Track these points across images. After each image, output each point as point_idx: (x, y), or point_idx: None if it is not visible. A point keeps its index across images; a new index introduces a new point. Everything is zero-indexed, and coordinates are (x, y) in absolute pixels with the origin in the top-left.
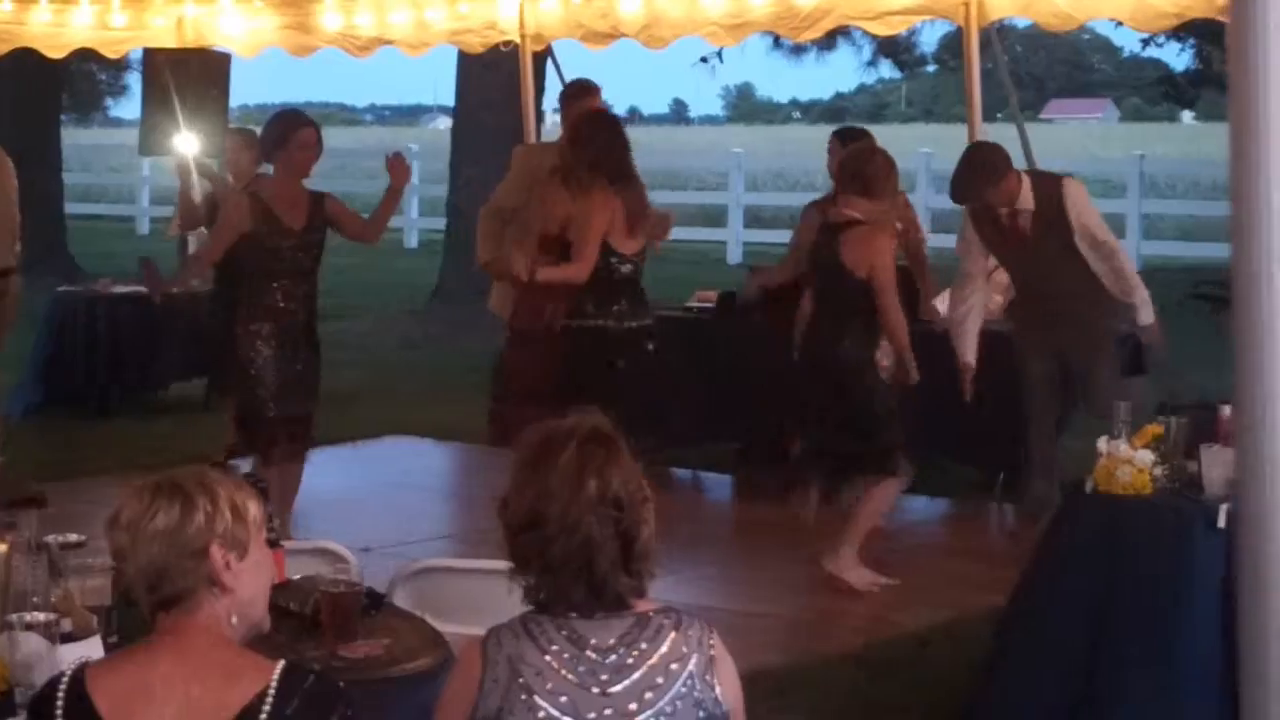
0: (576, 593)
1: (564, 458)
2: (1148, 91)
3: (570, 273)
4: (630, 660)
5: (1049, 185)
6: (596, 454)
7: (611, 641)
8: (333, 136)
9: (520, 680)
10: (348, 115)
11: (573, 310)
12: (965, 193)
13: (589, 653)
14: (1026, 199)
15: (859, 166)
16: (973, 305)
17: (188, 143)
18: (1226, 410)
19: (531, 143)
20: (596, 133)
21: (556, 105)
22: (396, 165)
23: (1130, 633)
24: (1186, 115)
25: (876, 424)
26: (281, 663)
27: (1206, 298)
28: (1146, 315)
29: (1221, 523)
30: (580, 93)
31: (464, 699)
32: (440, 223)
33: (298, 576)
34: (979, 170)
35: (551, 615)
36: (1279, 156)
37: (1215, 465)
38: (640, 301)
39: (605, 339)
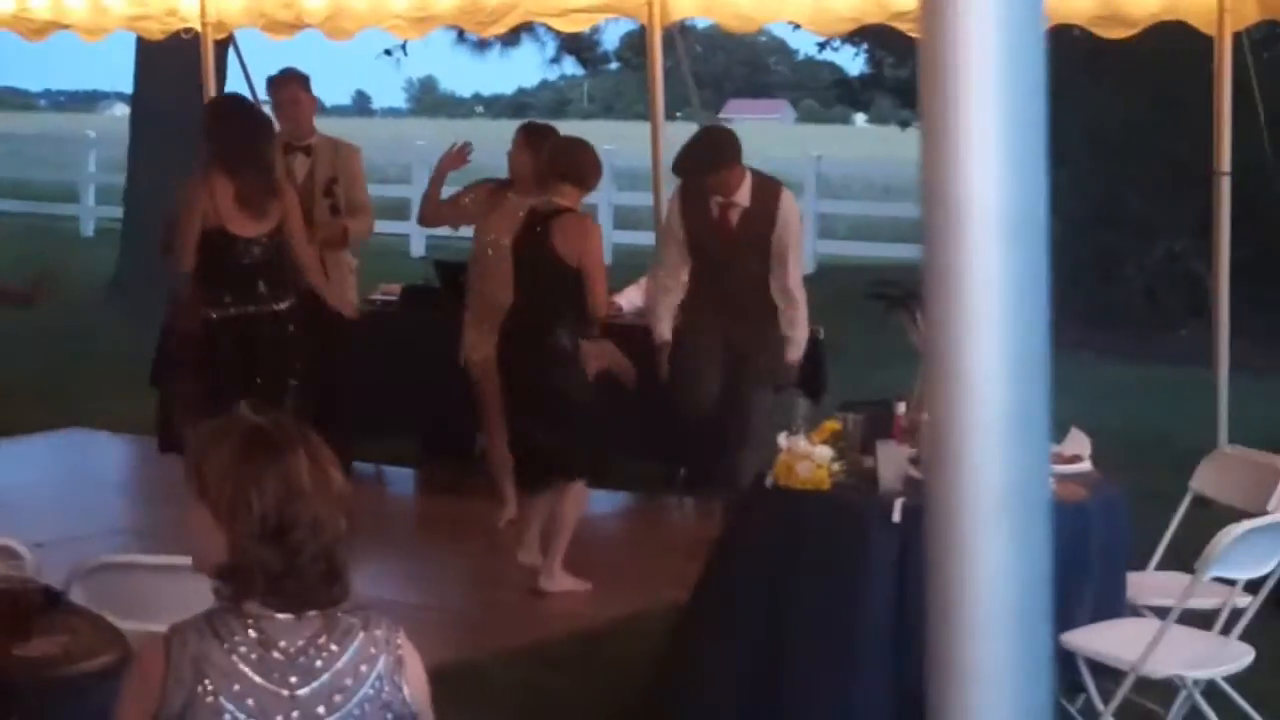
0: (322, 592)
1: (298, 455)
2: (823, 94)
3: (176, 269)
4: (319, 663)
5: (769, 189)
6: (323, 450)
7: (300, 643)
8: (5, 122)
9: (205, 682)
10: (22, 100)
11: (212, 301)
12: (687, 168)
13: (276, 654)
14: (744, 195)
15: (572, 157)
16: (671, 289)
17: None
18: (902, 407)
19: None
20: (216, 119)
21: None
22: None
23: (810, 623)
24: (860, 118)
25: (579, 420)
26: None
27: (881, 297)
28: (794, 352)
29: (896, 517)
30: (281, 82)
31: (145, 699)
32: (118, 211)
33: None
34: (707, 151)
35: (238, 614)
36: (969, 157)
37: (890, 461)
38: (281, 284)
39: (251, 324)
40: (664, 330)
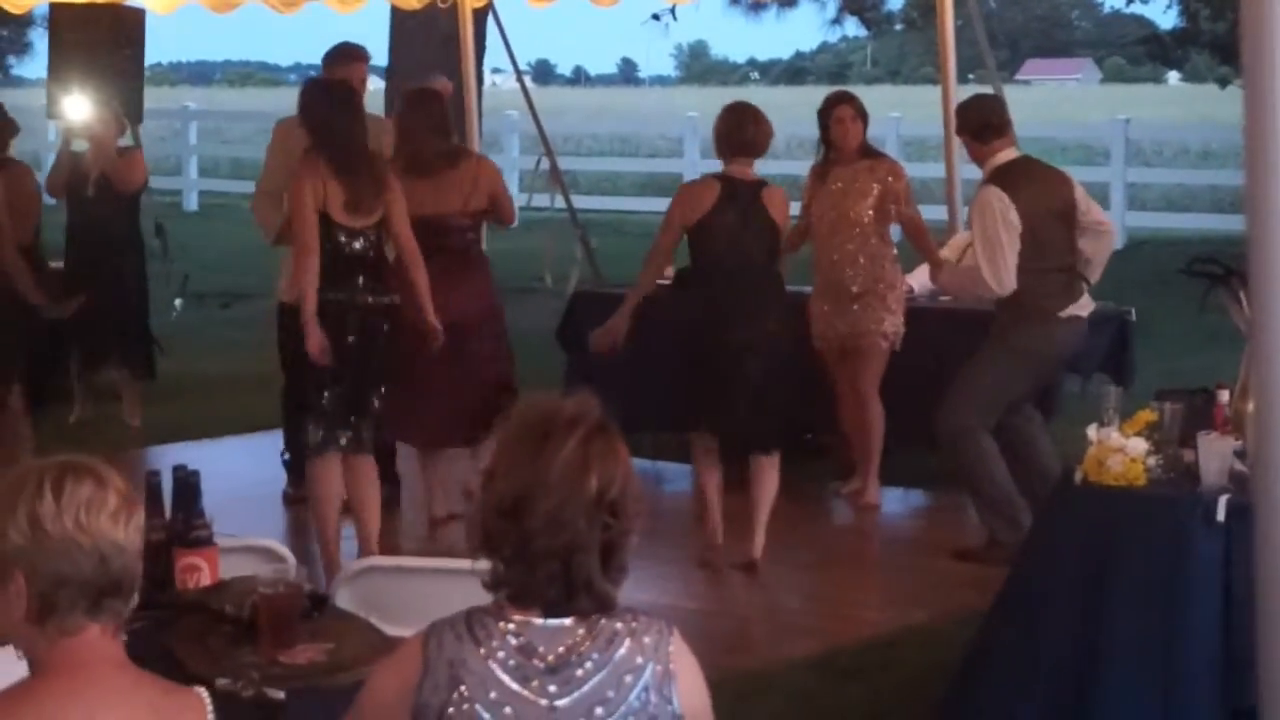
0: (549, 591)
1: (568, 449)
2: (1130, 51)
3: (296, 255)
4: (580, 672)
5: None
6: (601, 451)
7: (561, 650)
8: (255, 98)
9: (461, 688)
10: (271, 74)
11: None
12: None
13: (536, 661)
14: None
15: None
16: None
17: (77, 107)
18: (1224, 396)
19: (291, 117)
20: (314, 103)
21: (496, 67)
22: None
23: (1125, 634)
24: (1172, 76)
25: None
26: (205, 692)
27: (1199, 275)
28: None
29: (1221, 516)
30: (340, 58)
31: (398, 700)
32: None
33: (231, 577)
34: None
35: (498, 616)
36: None
37: (1213, 455)
38: (380, 278)
39: (343, 314)
40: None
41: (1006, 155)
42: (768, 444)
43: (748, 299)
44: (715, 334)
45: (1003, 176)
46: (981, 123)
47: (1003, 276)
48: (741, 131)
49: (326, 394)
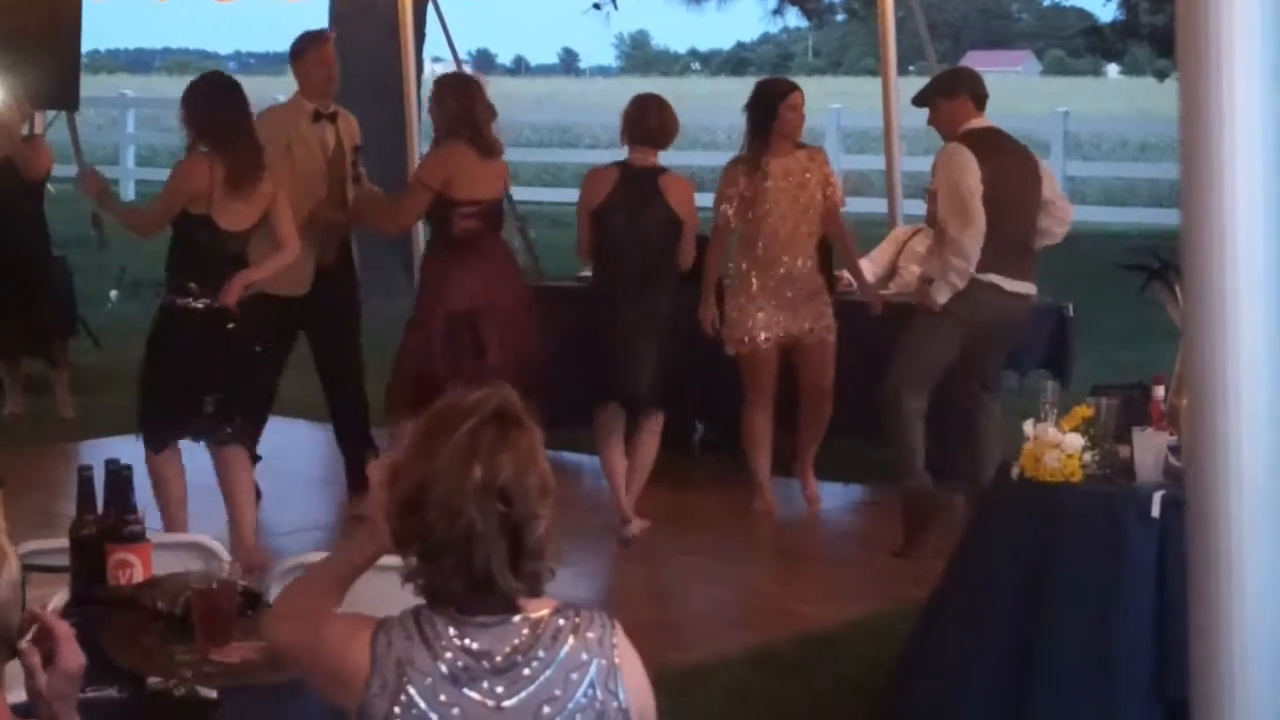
0: (455, 584)
1: (456, 437)
2: (1070, 43)
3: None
4: (527, 671)
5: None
6: (488, 437)
7: (508, 650)
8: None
9: (410, 689)
10: (210, 62)
11: (177, 288)
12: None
13: (484, 662)
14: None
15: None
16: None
17: None
18: (1160, 390)
19: (264, 110)
20: (196, 95)
21: (436, 55)
22: (87, 183)
23: (1062, 628)
24: (1112, 69)
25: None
26: None
27: (1136, 268)
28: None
29: (1155, 511)
30: (312, 42)
31: (343, 693)
32: None
33: (164, 574)
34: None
35: (444, 615)
36: (1233, 118)
37: (1148, 450)
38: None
39: (224, 317)
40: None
41: (981, 122)
42: (654, 403)
43: (642, 281)
44: (610, 313)
45: (974, 139)
46: (981, 90)
47: (974, 219)
48: (644, 121)
49: (208, 398)
